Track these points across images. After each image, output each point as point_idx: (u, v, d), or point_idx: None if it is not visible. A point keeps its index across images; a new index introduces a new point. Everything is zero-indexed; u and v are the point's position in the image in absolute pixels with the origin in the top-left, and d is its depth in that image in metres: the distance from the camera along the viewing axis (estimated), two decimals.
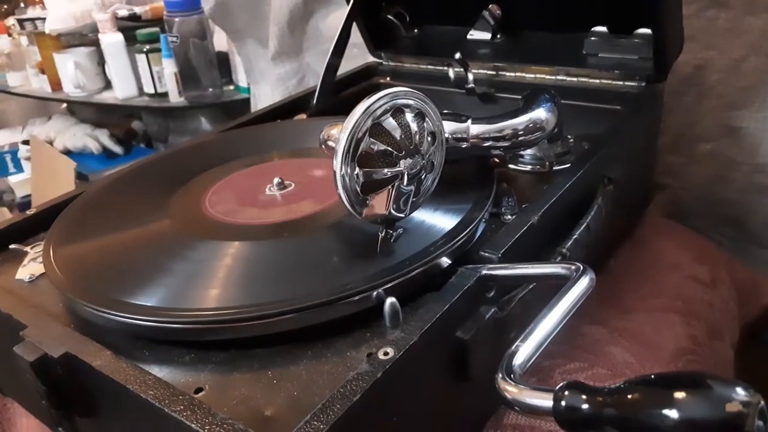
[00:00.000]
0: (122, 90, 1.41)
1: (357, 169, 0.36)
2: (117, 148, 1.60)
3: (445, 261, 0.39)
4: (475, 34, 0.74)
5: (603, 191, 0.50)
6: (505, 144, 0.46)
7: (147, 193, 0.51)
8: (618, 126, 0.55)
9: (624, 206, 0.56)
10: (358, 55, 0.85)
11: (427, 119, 0.39)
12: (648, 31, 0.61)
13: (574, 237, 0.44)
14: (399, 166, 0.38)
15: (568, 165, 0.52)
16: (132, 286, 0.39)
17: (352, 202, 0.37)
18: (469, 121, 0.46)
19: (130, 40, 1.37)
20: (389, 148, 0.37)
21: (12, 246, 0.48)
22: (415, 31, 0.79)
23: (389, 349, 0.32)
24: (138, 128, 1.69)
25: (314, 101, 0.70)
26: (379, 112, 0.36)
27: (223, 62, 1.38)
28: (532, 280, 0.38)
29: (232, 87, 1.41)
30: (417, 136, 0.38)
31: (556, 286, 0.35)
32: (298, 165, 0.53)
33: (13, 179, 1.66)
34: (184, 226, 0.44)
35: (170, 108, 1.38)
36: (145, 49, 1.35)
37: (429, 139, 0.39)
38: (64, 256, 0.43)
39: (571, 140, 0.54)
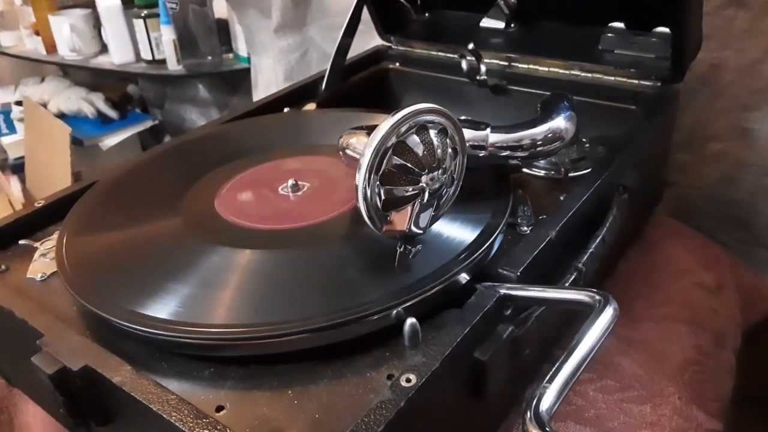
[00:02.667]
0: (119, 55, 1.38)
1: (379, 186, 0.36)
2: (112, 113, 1.57)
3: (464, 277, 0.39)
4: (487, 22, 0.72)
5: (618, 201, 0.50)
6: (523, 154, 0.46)
7: (159, 188, 0.50)
8: (634, 131, 0.55)
9: (636, 210, 0.56)
10: (364, 32, 0.83)
11: (449, 135, 0.38)
12: (666, 30, 0.60)
13: (590, 251, 0.44)
14: (421, 183, 0.37)
15: (583, 172, 0.51)
16: (149, 295, 0.38)
17: (372, 218, 0.37)
18: (488, 130, 0.45)
19: (128, 3, 1.34)
20: (412, 167, 0.37)
21: (22, 242, 0.48)
22: (426, 15, 0.78)
23: (411, 376, 0.32)
24: (133, 92, 1.66)
25: (323, 87, 0.69)
26: (403, 129, 0.36)
27: (222, 29, 1.35)
28: (553, 304, 0.38)
29: (231, 55, 1.38)
30: (439, 152, 0.38)
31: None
32: (311, 164, 0.52)
33: (6, 140, 1.64)
34: (200, 231, 0.44)
35: (168, 76, 1.36)
36: (142, 14, 1.31)
37: (451, 153, 0.39)
38: (77, 257, 0.43)
39: (587, 145, 0.54)
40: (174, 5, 1.22)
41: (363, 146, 0.40)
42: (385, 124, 0.35)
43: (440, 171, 0.38)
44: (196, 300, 0.38)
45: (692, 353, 0.49)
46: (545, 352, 0.47)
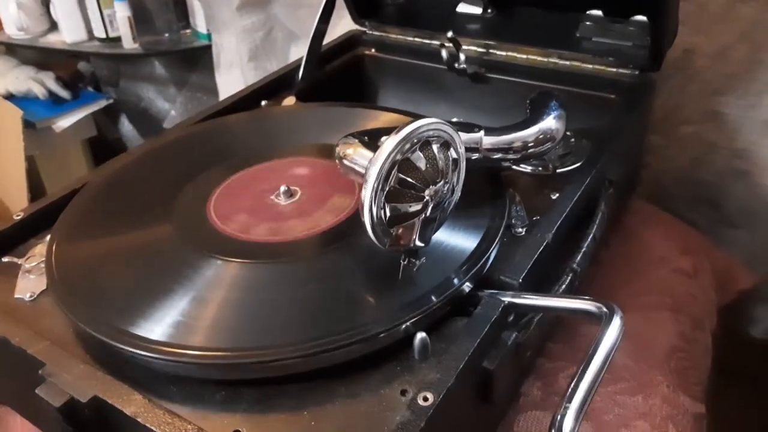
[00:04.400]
0: (70, 33, 1.31)
1: (385, 203, 0.36)
2: (64, 93, 1.50)
3: (468, 286, 0.39)
4: (464, 8, 0.72)
5: (605, 196, 0.51)
6: (515, 156, 0.46)
7: (147, 197, 0.49)
8: (617, 124, 0.56)
9: (618, 200, 0.58)
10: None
11: (451, 148, 0.38)
12: (644, 18, 0.61)
13: (583, 250, 0.46)
14: (425, 198, 0.37)
15: (571, 167, 0.52)
16: (152, 316, 0.38)
17: (378, 235, 0.37)
18: (482, 132, 0.46)
19: None
20: (417, 183, 0.37)
21: (5, 259, 0.46)
22: None
23: (429, 395, 0.33)
24: (85, 70, 1.58)
25: (300, 77, 0.68)
26: (407, 146, 0.36)
27: (179, 5, 1.30)
28: (557, 312, 0.39)
29: (189, 32, 1.33)
30: (441, 164, 0.38)
31: None
32: (300, 166, 0.51)
33: None
34: (197, 245, 0.43)
35: (124, 54, 1.30)
36: None
37: (452, 165, 0.39)
38: (68, 274, 0.42)
39: (572, 140, 0.55)
40: None
41: (361, 158, 0.41)
42: (390, 142, 0.35)
43: (442, 182, 0.38)
44: (202, 321, 0.38)
45: (676, 340, 0.51)
46: (540, 347, 0.49)
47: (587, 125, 0.57)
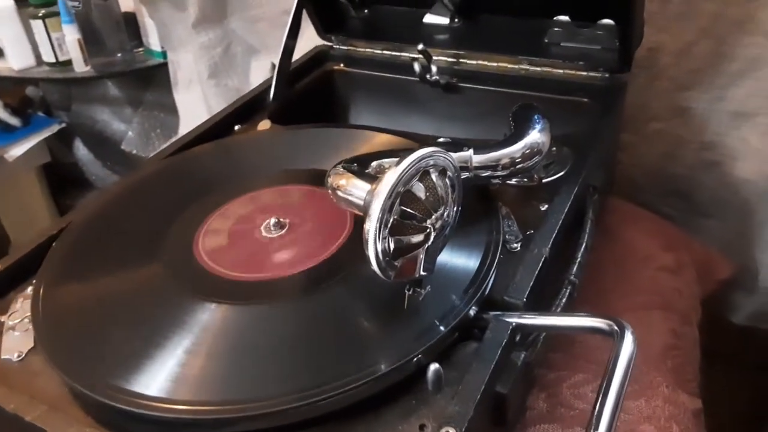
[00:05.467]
0: (17, 60, 1.26)
1: (388, 237, 0.35)
2: (14, 120, 1.44)
3: (473, 310, 0.39)
4: (431, 18, 0.72)
5: (591, 203, 0.52)
6: (504, 173, 0.46)
7: (132, 239, 0.47)
8: (594, 130, 0.56)
9: (600, 203, 0.59)
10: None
11: (448, 173, 0.38)
12: (611, 22, 0.62)
13: (578, 261, 0.46)
14: (427, 228, 0.37)
15: (556, 177, 0.52)
16: (148, 370, 0.36)
17: (384, 269, 0.36)
18: (471, 151, 0.45)
19: (22, 3, 1.22)
20: (419, 214, 0.36)
21: None
22: (366, 11, 0.76)
23: (451, 430, 0.32)
24: (34, 95, 1.53)
25: (271, 97, 0.67)
26: (407, 177, 0.35)
27: (130, 24, 1.26)
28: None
29: (142, 50, 1.30)
30: (440, 191, 0.38)
31: None
32: (286, 195, 0.50)
33: None
34: (191, 290, 0.41)
35: (76, 78, 1.26)
36: (40, 14, 1.20)
37: (450, 191, 0.38)
38: (57, 332, 0.40)
39: (554, 149, 0.55)
40: (76, 3, 1.12)
41: (356, 189, 0.40)
42: (391, 176, 0.35)
43: (443, 210, 0.38)
44: (203, 371, 0.36)
45: (669, 338, 0.52)
46: (542, 359, 0.49)
47: (563, 130, 0.57)
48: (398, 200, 0.35)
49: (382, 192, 0.34)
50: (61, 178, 1.59)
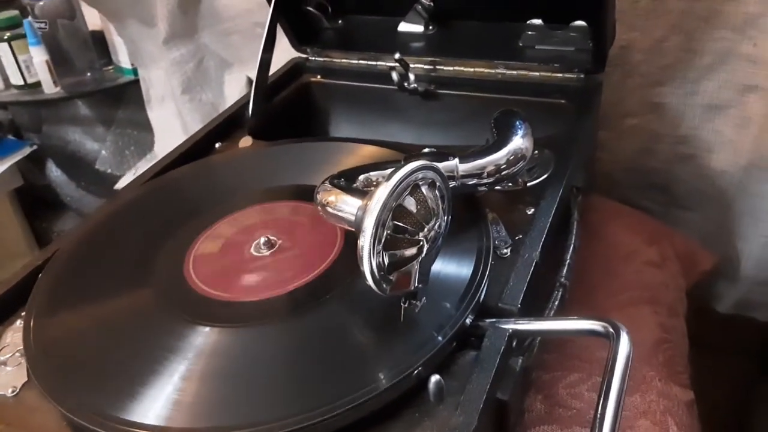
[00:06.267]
0: None
1: (382, 252, 0.36)
2: None
3: (470, 318, 0.39)
4: (406, 27, 0.72)
5: (575, 203, 0.52)
6: (489, 180, 0.47)
7: (121, 265, 0.47)
8: (574, 131, 0.57)
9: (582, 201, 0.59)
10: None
11: (438, 185, 0.38)
12: (583, 23, 0.63)
13: (568, 263, 0.47)
14: (420, 241, 0.37)
15: (540, 179, 0.53)
16: (145, 399, 0.36)
17: (379, 284, 0.36)
18: (457, 160, 0.46)
19: None
20: (411, 227, 0.36)
21: None
22: (339, 22, 0.76)
23: None
24: (2, 118, 1.50)
25: (250, 112, 0.66)
26: (398, 192, 0.35)
27: (98, 42, 1.25)
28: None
29: (112, 68, 1.28)
30: (430, 203, 0.38)
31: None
32: (273, 213, 0.50)
33: None
34: (185, 314, 0.41)
35: (46, 100, 1.24)
36: (6, 37, 1.18)
37: (440, 202, 0.39)
38: (51, 364, 0.39)
39: (536, 152, 0.56)
40: (42, 24, 1.11)
41: (345, 205, 0.40)
42: (382, 192, 0.35)
43: (434, 221, 0.38)
44: (201, 396, 0.36)
45: (659, 332, 0.53)
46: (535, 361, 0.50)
47: (542, 133, 0.58)
48: (390, 215, 0.35)
49: (374, 208, 0.34)
50: (35, 201, 1.56)
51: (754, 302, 0.74)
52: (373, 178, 0.46)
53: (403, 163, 0.46)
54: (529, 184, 0.53)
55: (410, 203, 0.36)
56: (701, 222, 0.74)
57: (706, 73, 0.68)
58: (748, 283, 0.71)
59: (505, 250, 0.46)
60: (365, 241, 0.35)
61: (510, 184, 0.54)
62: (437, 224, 0.39)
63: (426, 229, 0.37)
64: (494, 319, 0.40)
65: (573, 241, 0.48)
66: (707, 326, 0.66)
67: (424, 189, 0.37)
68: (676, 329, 0.56)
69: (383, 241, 0.35)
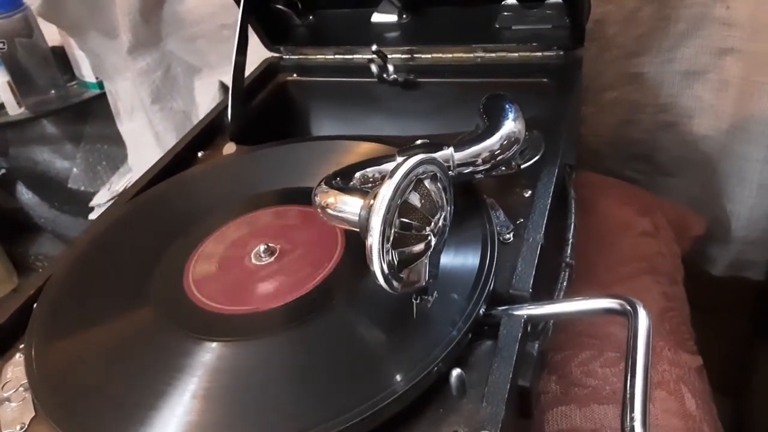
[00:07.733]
0: None
1: (391, 250, 0.35)
2: None
3: (483, 308, 0.39)
4: (379, 17, 0.71)
5: (569, 182, 0.52)
6: (485, 167, 0.46)
7: (117, 285, 0.46)
8: (559, 108, 0.57)
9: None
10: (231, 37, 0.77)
11: (439, 177, 0.38)
12: (558, 0, 0.63)
13: (571, 242, 0.46)
14: (428, 236, 0.37)
15: (532, 161, 0.53)
16: (156, 422, 0.35)
17: (390, 283, 0.36)
18: (452, 149, 0.45)
19: None
20: (418, 223, 0.36)
21: None
22: (311, 18, 0.75)
23: None
24: None
25: (229, 118, 0.65)
26: (402, 189, 0.35)
27: (60, 57, 1.21)
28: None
29: (76, 84, 1.25)
30: (435, 197, 0.37)
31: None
32: (270, 218, 0.49)
33: None
34: (189, 329, 0.40)
35: (11, 123, 1.21)
36: None
37: (444, 194, 0.38)
38: (59, 398, 0.38)
39: (526, 134, 0.55)
40: (1, 45, 1.07)
41: (346, 205, 0.39)
42: (386, 190, 0.34)
43: (439, 214, 0.38)
44: (215, 414, 0.35)
45: (663, 301, 0.53)
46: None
47: (528, 113, 0.58)
48: (396, 213, 0.35)
49: (379, 207, 0.34)
50: (8, 226, 1.52)
51: (746, 262, 0.75)
52: (369, 175, 0.45)
53: (398, 156, 0.46)
54: (522, 167, 0.53)
55: (414, 198, 0.36)
56: (688, 188, 0.75)
57: (681, 39, 0.68)
58: (739, 243, 0.72)
59: (508, 235, 0.45)
60: (374, 242, 0.34)
61: (504, 168, 0.53)
62: (442, 217, 0.38)
63: (432, 223, 0.37)
64: (507, 307, 0.39)
65: (573, 221, 0.48)
66: (704, 290, 0.66)
67: (426, 183, 0.36)
68: (677, 296, 0.57)
69: (391, 239, 0.35)
